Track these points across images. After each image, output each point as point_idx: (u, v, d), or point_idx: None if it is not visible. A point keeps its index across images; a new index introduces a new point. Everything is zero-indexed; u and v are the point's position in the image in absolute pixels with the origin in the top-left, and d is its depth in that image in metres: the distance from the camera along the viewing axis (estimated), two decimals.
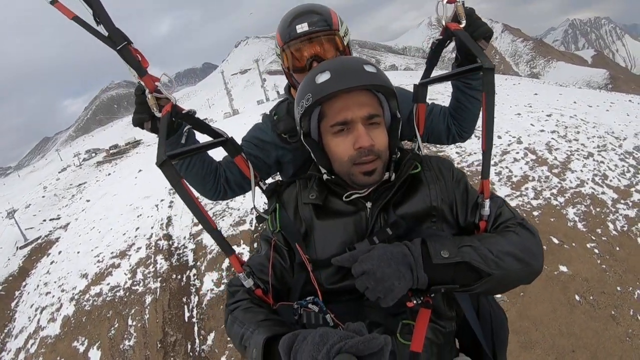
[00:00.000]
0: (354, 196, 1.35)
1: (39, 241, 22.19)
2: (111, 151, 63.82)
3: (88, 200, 24.80)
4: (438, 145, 12.00)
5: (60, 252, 16.85)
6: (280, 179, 1.96)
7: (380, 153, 1.30)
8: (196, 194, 1.85)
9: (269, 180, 1.82)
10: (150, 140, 57.23)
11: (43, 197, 36.21)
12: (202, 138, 1.71)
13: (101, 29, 1.40)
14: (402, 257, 1.11)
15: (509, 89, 22.64)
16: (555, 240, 7.86)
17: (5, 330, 15.22)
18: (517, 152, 11.48)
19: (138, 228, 14.56)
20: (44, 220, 26.86)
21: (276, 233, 1.42)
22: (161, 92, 1.52)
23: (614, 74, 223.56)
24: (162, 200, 16.31)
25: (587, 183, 9.67)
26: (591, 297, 6.77)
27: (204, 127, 1.66)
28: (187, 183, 1.74)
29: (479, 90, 1.82)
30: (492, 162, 10.61)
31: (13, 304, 16.98)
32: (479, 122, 1.53)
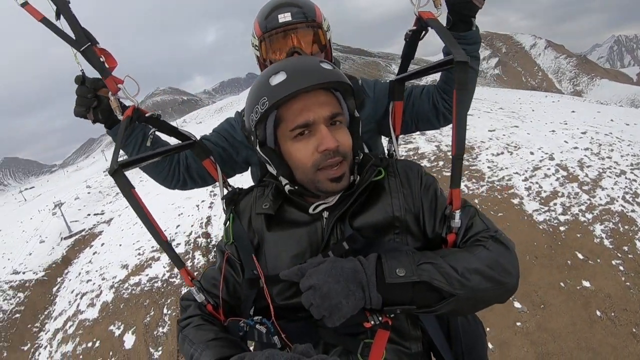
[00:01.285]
0: (320, 207, 1.24)
1: (83, 233, 23.23)
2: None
3: None
4: (468, 157, 12.05)
5: (103, 244, 17.56)
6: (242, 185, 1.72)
7: (346, 154, 1.19)
8: (157, 185, 1.95)
9: (235, 179, 1.87)
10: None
11: (88, 193, 37.72)
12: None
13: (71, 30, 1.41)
14: (352, 274, 1.03)
15: (547, 106, 22.34)
16: (580, 256, 7.81)
17: (46, 312, 16.26)
18: (549, 169, 11.37)
19: (179, 226, 15.10)
20: (89, 215, 28.02)
21: (229, 245, 1.34)
22: (122, 95, 1.48)
23: None
24: (202, 201, 16.84)
25: (617, 201, 9.49)
26: (612, 314, 6.66)
27: (171, 130, 1.63)
28: (143, 172, 1.82)
29: (475, 57, 1.70)
30: (522, 178, 10.20)
31: (54, 289, 17.95)
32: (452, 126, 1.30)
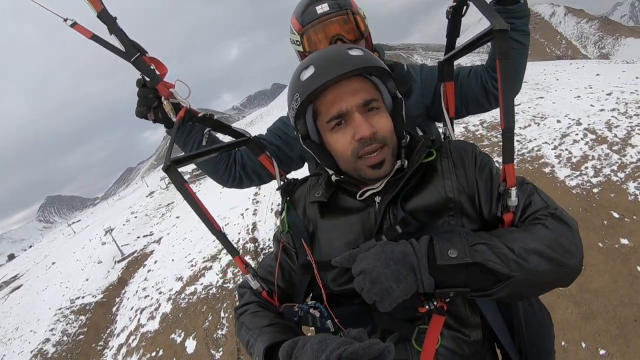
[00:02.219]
0: (368, 193, 1.24)
1: (135, 255, 23.78)
2: (194, 173, 66.80)
3: (177, 217, 26.52)
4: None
5: (155, 262, 18.20)
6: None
7: (386, 139, 1.17)
8: (214, 183, 2.00)
9: (291, 175, 1.77)
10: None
11: (135, 217, 38.65)
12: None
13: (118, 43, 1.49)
14: (402, 257, 1.00)
15: (571, 73, 21.67)
16: (616, 215, 7.78)
17: (108, 331, 16.63)
18: (577, 134, 11.26)
19: (226, 235, 15.55)
20: (138, 237, 28.66)
21: (285, 234, 1.36)
22: (175, 97, 1.56)
23: None
24: (246, 209, 17.33)
25: None
26: None
27: (225, 128, 1.68)
28: (201, 170, 1.90)
29: (524, 31, 1.62)
30: (551, 147, 10.20)
31: (114, 309, 18.42)
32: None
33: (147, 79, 1.54)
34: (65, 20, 1.45)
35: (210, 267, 13.51)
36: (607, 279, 6.60)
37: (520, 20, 1.57)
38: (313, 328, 1.25)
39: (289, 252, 1.35)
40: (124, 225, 35.33)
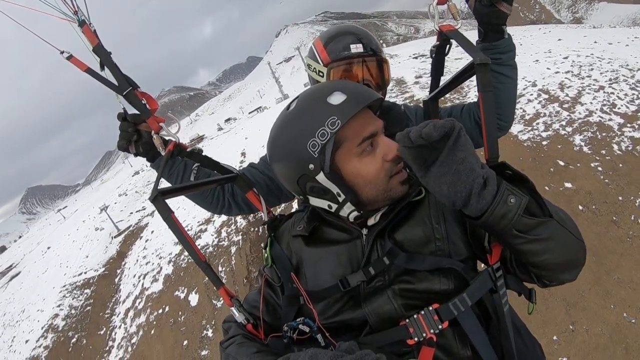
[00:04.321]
0: (371, 221, 1.20)
1: (131, 229, 24.29)
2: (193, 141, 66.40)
3: None
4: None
5: (152, 232, 18.79)
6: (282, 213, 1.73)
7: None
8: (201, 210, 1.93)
9: (281, 208, 1.94)
10: (213, 134, 60.35)
11: (126, 195, 39.08)
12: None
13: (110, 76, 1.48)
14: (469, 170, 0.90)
15: (537, 38, 22.34)
16: (562, 163, 8.56)
17: (113, 300, 17.48)
18: (531, 94, 11.97)
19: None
20: (131, 213, 29.19)
21: (268, 268, 1.30)
22: (165, 132, 1.55)
23: None
24: None
25: (595, 113, 10.10)
26: (594, 207, 7.41)
27: (212, 164, 1.64)
28: (189, 199, 1.82)
29: (510, 65, 1.61)
30: None
31: (116, 279, 19.15)
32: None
33: (129, 113, 1.56)
34: (62, 52, 1.46)
35: (205, 230, 14.13)
36: None
37: (506, 55, 1.57)
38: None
39: (273, 287, 1.31)
40: (115, 203, 35.74)
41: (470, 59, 1.12)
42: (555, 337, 5.49)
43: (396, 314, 1.09)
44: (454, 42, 1.31)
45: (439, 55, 1.48)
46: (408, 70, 19.65)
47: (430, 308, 1.06)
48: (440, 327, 1.04)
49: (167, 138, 1.58)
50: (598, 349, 5.22)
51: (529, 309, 1.20)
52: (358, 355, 0.80)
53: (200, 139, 66.29)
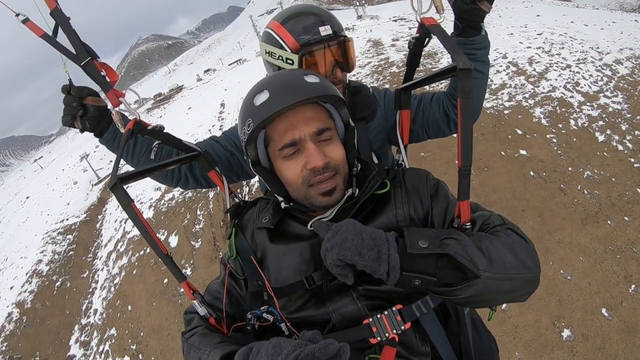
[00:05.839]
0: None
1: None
2: (157, 98, 65.48)
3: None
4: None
5: None
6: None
7: (338, 168, 1.12)
8: (157, 183, 1.77)
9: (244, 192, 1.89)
10: (192, 84, 58.98)
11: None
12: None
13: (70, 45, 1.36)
14: (372, 236, 0.95)
15: (517, 12, 22.63)
16: (519, 132, 9.09)
17: (95, 244, 17.84)
18: (500, 66, 12.45)
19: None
20: (111, 161, 28.96)
21: (233, 260, 1.27)
22: (124, 108, 1.42)
23: None
24: (213, 126, 18.13)
25: (558, 89, 10.61)
26: (544, 174, 7.93)
27: (174, 142, 1.54)
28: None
29: (484, 61, 1.60)
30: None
31: (98, 225, 19.47)
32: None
33: (74, 84, 1.45)
34: (18, 15, 1.37)
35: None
36: (504, 179, 7.94)
37: (480, 52, 1.56)
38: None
39: (236, 279, 1.27)
40: (94, 152, 35.41)
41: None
42: None
43: (360, 314, 1.08)
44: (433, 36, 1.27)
45: (416, 48, 1.45)
46: (386, 33, 19.96)
47: (394, 309, 1.08)
48: (402, 327, 1.06)
49: (127, 114, 1.47)
50: (534, 298, 5.61)
51: (489, 316, 1.24)
52: (322, 344, 0.81)
53: (180, 89, 65.20)
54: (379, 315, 1.07)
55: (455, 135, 1.21)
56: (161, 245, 1.13)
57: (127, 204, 1.09)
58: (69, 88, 1.44)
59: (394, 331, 1.05)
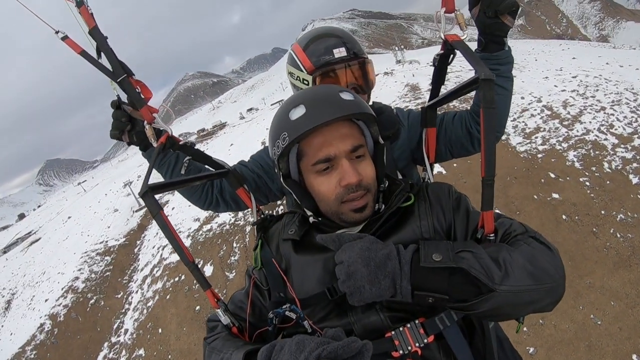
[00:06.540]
0: None
1: None
2: (201, 133, 67.29)
3: None
4: None
5: (173, 208, 19.41)
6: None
7: (370, 186, 1.13)
8: (188, 203, 1.85)
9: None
10: (235, 122, 60.45)
11: None
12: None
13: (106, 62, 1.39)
14: (384, 261, 0.96)
15: (553, 54, 22.64)
16: (552, 175, 9.03)
17: (131, 267, 18.29)
18: (535, 110, 12.43)
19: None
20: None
21: (257, 270, 1.27)
22: (158, 123, 1.46)
23: None
24: None
25: (592, 132, 10.48)
26: (576, 217, 7.80)
27: (204, 158, 1.57)
28: (177, 192, 1.77)
29: (507, 77, 1.59)
30: (510, 119, 11.76)
31: (136, 250, 19.96)
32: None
33: (125, 101, 1.50)
34: (57, 32, 1.40)
35: None
36: (536, 222, 7.83)
37: (504, 67, 1.56)
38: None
39: (260, 289, 1.27)
40: (137, 180, 36.64)
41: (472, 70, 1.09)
42: (525, 329, 5.89)
43: (382, 326, 1.06)
44: (458, 52, 1.27)
45: (441, 65, 1.43)
46: (424, 77, 20.12)
47: (417, 321, 1.05)
48: (425, 340, 1.02)
49: (160, 129, 1.50)
50: (563, 343, 5.60)
51: (517, 329, 1.19)
52: (345, 341, 0.81)
53: (223, 125, 66.77)
54: (401, 328, 1.04)
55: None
56: (188, 253, 1.14)
57: (156, 211, 1.10)
58: (118, 103, 1.49)
59: (417, 344, 1.02)
